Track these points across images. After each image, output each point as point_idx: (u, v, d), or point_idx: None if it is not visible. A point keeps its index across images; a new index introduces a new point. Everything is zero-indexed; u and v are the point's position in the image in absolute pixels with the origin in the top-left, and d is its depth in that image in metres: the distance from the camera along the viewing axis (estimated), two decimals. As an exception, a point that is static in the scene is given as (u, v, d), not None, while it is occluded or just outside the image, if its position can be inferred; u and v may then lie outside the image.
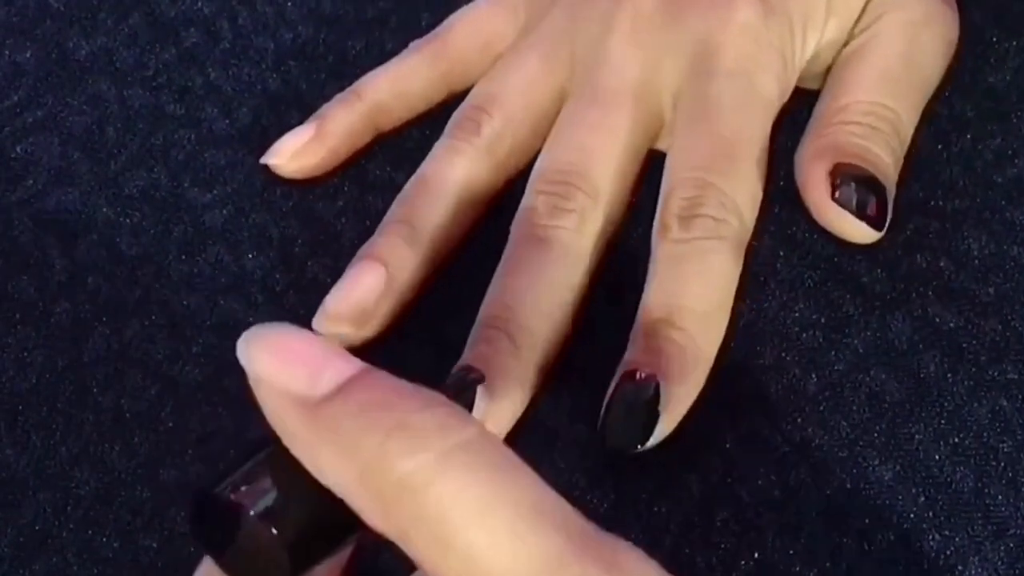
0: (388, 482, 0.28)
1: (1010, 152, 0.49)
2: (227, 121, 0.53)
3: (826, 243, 0.48)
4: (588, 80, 0.49)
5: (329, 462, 0.30)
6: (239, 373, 0.46)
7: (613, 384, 0.44)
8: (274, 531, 0.30)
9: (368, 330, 0.47)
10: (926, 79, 0.50)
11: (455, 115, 0.51)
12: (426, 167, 0.49)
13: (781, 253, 0.48)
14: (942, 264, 0.47)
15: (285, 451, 0.30)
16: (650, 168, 0.49)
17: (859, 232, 0.47)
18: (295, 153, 0.51)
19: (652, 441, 0.43)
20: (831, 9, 0.50)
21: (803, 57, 0.50)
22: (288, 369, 0.30)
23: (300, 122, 0.51)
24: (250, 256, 0.50)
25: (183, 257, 0.50)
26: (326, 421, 0.29)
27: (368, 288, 0.47)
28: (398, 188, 0.49)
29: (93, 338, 0.48)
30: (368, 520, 0.29)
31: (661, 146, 0.50)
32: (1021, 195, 0.49)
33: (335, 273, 0.48)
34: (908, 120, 0.49)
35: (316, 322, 0.47)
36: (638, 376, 0.43)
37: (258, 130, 0.52)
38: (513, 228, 0.48)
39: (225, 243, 0.50)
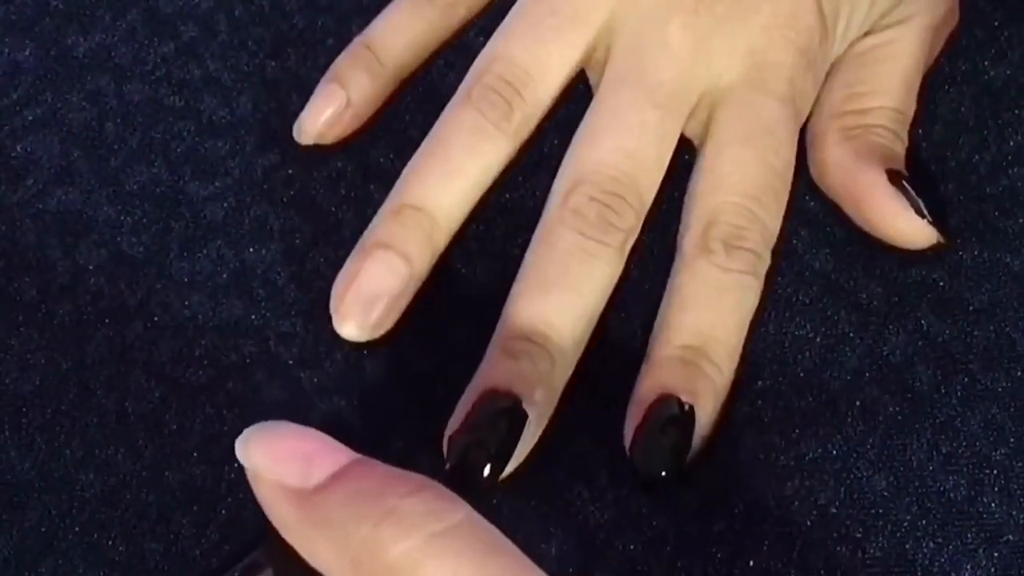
0: (379, 567, 0.30)
1: (1004, 163, 0.50)
2: (227, 110, 0.53)
3: (824, 259, 0.48)
4: (640, 65, 0.47)
5: (323, 550, 0.31)
6: (242, 375, 0.47)
7: (644, 403, 0.43)
8: None
9: (385, 326, 0.46)
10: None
11: (480, 74, 0.48)
12: (449, 141, 0.47)
13: (781, 264, 0.48)
14: (936, 275, 0.48)
15: (283, 541, 0.32)
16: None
17: (926, 233, 0.47)
18: (328, 123, 0.50)
19: (680, 466, 0.43)
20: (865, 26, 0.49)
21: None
22: (282, 464, 0.32)
23: (301, 107, 0.51)
24: (251, 250, 0.50)
25: (184, 255, 0.50)
26: (319, 511, 0.31)
27: (386, 284, 0.45)
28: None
29: (96, 340, 0.48)
30: None
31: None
32: (1013, 206, 0.49)
33: (336, 265, 0.47)
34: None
35: (333, 315, 0.46)
36: (681, 403, 0.43)
37: (258, 116, 0.52)
38: (553, 223, 0.45)
39: (226, 237, 0.50)
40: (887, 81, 0.49)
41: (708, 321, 0.45)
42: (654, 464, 0.43)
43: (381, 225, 0.46)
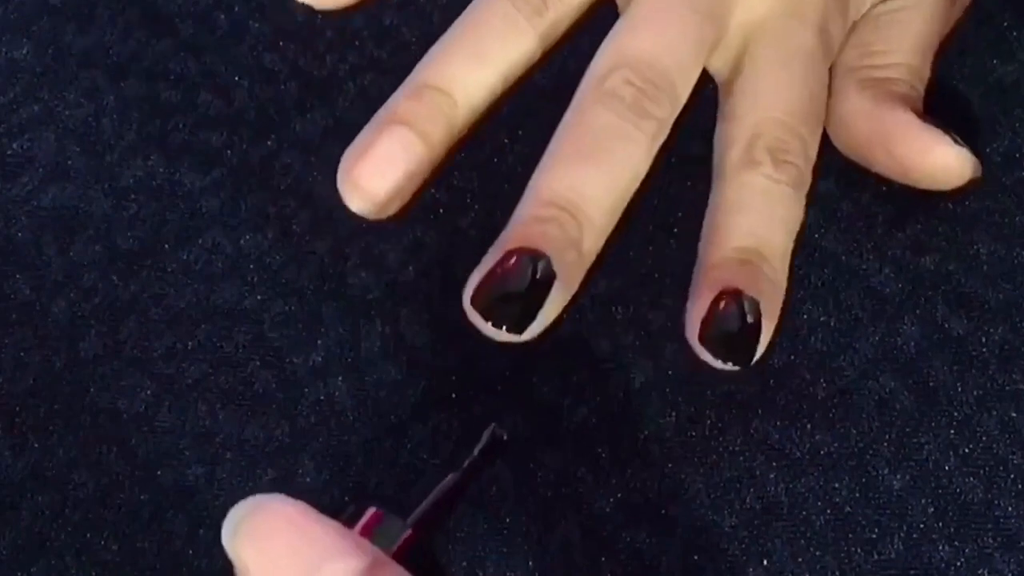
0: None
1: (1018, 155, 0.49)
2: (223, 100, 0.52)
3: (835, 240, 0.48)
4: None
5: None
6: (234, 367, 0.46)
7: (708, 298, 0.42)
8: None
9: (393, 206, 0.43)
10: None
11: None
12: (480, 26, 0.45)
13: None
14: (951, 268, 0.47)
15: None
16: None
17: (966, 164, 0.46)
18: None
19: (751, 361, 0.42)
20: None
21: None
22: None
23: (299, 96, 0.51)
24: (246, 238, 0.49)
25: (180, 245, 0.49)
26: None
27: (400, 160, 0.42)
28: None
29: (90, 337, 0.48)
30: None
31: None
32: (1030, 199, 0.49)
33: (334, 250, 0.48)
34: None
35: (340, 188, 0.43)
36: (744, 299, 0.42)
37: (254, 105, 0.52)
38: (588, 102, 0.43)
39: (222, 227, 0.50)
40: (902, 42, 0.49)
41: (762, 224, 0.43)
42: (727, 354, 0.41)
43: (399, 102, 0.44)
